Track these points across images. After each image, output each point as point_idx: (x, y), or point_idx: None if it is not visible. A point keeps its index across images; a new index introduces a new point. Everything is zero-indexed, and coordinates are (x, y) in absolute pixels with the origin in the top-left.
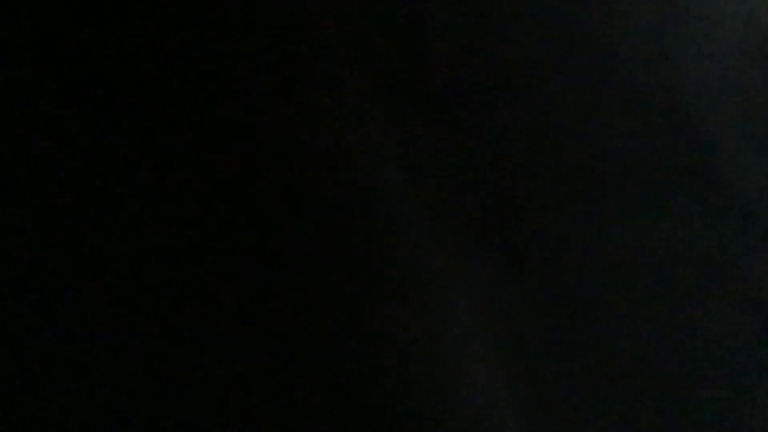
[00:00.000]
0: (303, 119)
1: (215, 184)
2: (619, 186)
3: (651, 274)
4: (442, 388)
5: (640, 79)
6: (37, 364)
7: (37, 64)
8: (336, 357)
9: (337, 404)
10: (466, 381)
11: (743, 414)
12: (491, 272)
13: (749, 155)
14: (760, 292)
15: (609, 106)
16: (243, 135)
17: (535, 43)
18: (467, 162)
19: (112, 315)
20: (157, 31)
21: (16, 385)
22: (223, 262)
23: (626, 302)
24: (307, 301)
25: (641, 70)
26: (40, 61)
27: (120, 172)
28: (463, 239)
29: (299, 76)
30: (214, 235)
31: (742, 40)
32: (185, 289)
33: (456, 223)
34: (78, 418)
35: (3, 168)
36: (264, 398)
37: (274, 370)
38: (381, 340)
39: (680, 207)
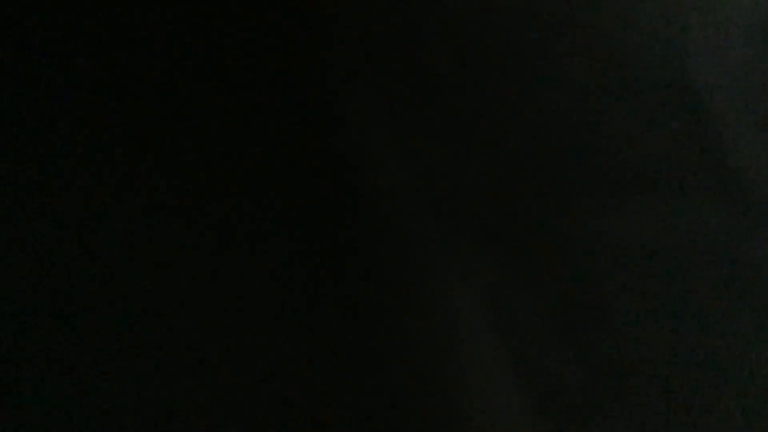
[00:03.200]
0: (318, 127)
1: (229, 190)
2: (630, 179)
3: (661, 267)
4: (452, 387)
5: (649, 72)
6: (39, 366)
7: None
8: (347, 357)
9: (349, 403)
10: (476, 379)
11: (754, 406)
12: (500, 272)
13: (762, 146)
14: None
15: (618, 100)
16: (257, 144)
17: (541, 40)
18: (475, 163)
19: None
20: (168, 34)
21: (19, 387)
22: (236, 264)
23: (635, 297)
24: (318, 303)
25: (650, 63)
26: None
27: (146, 175)
28: (472, 240)
29: (311, 88)
30: (230, 238)
31: (749, 31)
32: (195, 290)
33: (464, 224)
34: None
35: (5, 168)
36: (274, 398)
37: (285, 370)
38: (392, 340)
39: (692, 198)
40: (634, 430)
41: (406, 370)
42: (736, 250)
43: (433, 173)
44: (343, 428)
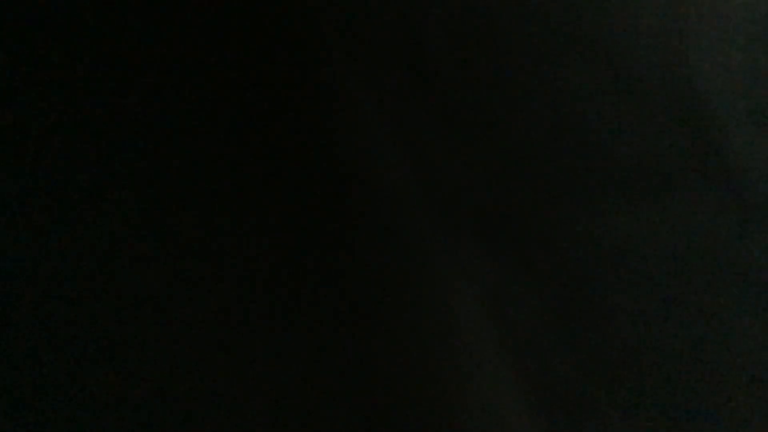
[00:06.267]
0: (317, 124)
1: (227, 189)
2: (630, 180)
3: (660, 266)
4: (452, 385)
5: (649, 73)
6: (40, 365)
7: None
8: (346, 356)
9: (348, 403)
10: (474, 377)
11: (752, 405)
12: (500, 269)
13: (762, 146)
14: None
15: (616, 99)
16: (256, 142)
17: (543, 41)
18: (475, 163)
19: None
20: (166, 33)
21: (19, 386)
22: (233, 263)
23: (635, 296)
24: (317, 302)
25: (651, 64)
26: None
27: (148, 174)
28: (472, 238)
29: (310, 84)
30: (228, 237)
31: (750, 31)
32: (193, 289)
33: (465, 222)
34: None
35: (6, 167)
36: (272, 399)
37: (282, 369)
38: (391, 339)
39: (692, 198)
40: (633, 428)
41: (405, 369)
42: (735, 249)
43: (434, 172)
44: (342, 428)
